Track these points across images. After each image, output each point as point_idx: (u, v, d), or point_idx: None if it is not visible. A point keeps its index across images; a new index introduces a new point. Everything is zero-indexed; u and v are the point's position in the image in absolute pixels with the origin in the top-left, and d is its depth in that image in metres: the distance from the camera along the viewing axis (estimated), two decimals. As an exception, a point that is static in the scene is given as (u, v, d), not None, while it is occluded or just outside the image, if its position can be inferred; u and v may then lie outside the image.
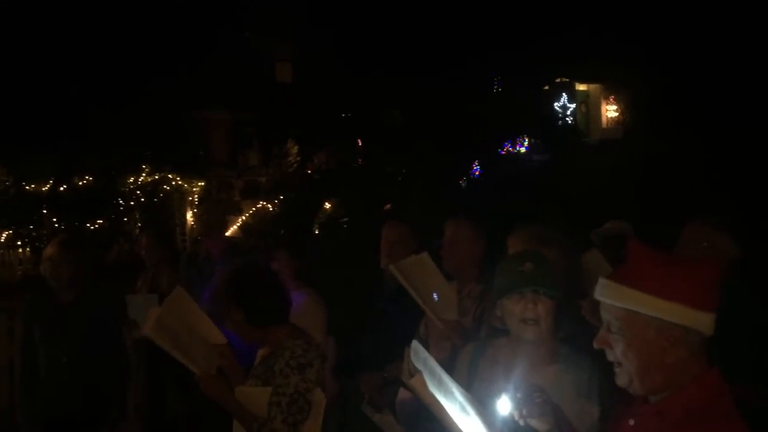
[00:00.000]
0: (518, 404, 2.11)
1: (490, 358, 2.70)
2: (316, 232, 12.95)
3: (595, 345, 2.02)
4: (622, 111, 23.96)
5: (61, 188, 15.31)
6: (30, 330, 3.87)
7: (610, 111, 24.82)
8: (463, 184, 17.73)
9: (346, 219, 13.20)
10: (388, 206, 13.26)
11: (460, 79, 17.37)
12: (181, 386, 4.59)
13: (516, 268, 2.60)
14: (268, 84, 18.36)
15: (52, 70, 14.95)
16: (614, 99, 24.53)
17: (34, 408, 3.67)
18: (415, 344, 2.25)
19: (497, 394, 2.19)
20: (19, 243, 13.83)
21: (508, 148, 21.57)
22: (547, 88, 23.68)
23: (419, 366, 2.18)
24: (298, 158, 17.24)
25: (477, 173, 18.41)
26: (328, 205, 14.15)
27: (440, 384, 2.15)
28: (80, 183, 15.66)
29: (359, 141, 17.91)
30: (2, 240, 13.72)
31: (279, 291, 2.96)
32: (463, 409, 2.15)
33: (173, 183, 15.75)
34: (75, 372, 3.55)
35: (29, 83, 14.51)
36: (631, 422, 2.00)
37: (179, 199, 15.46)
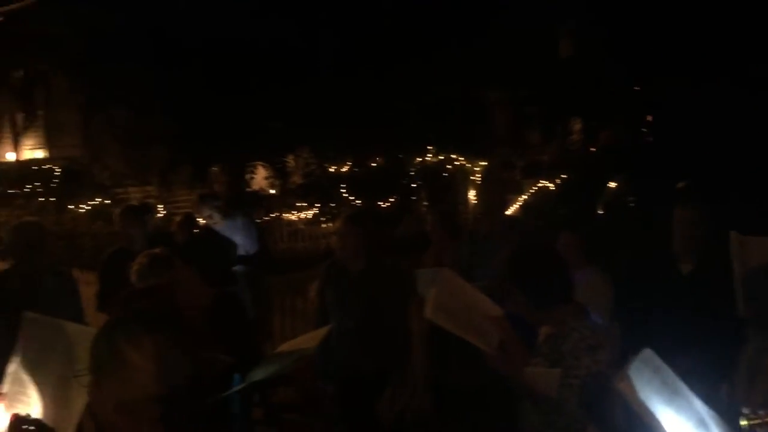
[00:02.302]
0: None
1: None
2: (600, 212, 12.42)
3: None
4: None
5: (357, 169, 16.75)
6: (323, 296, 4.27)
7: None
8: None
9: (633, 199, 12.46)
10: (682, 185, 12.23)
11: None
12: (466, 359, 4.68)
13: None
14: (551, 61, 18.00)
15: (349, 59, 16.24)
16: None
17: (328, 367, 4.03)
18: (648, 352, 2.20)
19: None
20: (322, 219, 15.46)
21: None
22: None
23: (645, 373, 2.16)
24: (582, 136, 16.68)
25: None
26: (613, 185, 13.49)
27: (673, 394, 2.11)
28: (373, 164, 16.96)
29: (649, 117, 16.76)
30: (309, 216, 15.45)
31: (562, 272, 2.87)
32: (702, 423, 2.09)
33: (456, 163, 16.28)
34: (360, 337, 3.82)
35: (329, 73, 15.94)
36: None
37: (462, 178, 15.93)
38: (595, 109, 16.39)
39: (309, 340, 3.71)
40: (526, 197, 14.55)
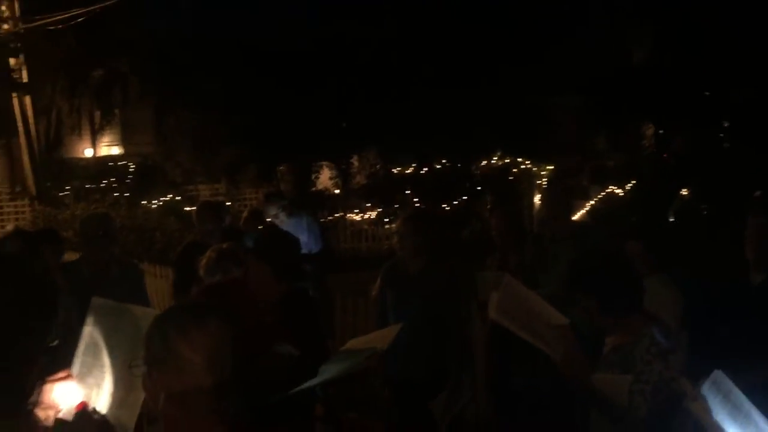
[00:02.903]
0: None
1: None
2: (671, 219, 12.08)
3: None
4: None
5: (422, 171, 16.76)
6: (384, 295, 4.28)
7: None
8: None
9: (705, 207, 12.06)
10: (758, 194, 11.76)
11: None
12: (528, 365, 4.61)
13: None
14: (623, 66, 17.60)
15: (415, 62, 16.25)
16: None
17: (386, 369, 4.02)
18: (720, 374, 2.22)
19: None
20: (386, 220, 15.54)
21: None
22: None
23: (717, 396, 2.20)
24: (653, 141, 16.25)
25: None
26: (684, 192, 13.09)
27: (745, 419, 2.15)
28: (438, 167, 16.94)
29: (725, 123, 16.19)
30: (373, 216, 15.55)
31: (631, 279, 2.79)
32: None
33: (522, 166, 16.11)
34: (416, 337, 3.81)
35: (393, 78, 15.99)
36: None
37: (527, 182, 15.74)
38: (668, 115, 15.93)
39: (380, 338, 3.73)
40: (593, 203, 14.27)
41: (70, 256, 4.85)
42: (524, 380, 5.09)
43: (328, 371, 3.53)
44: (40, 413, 1.69)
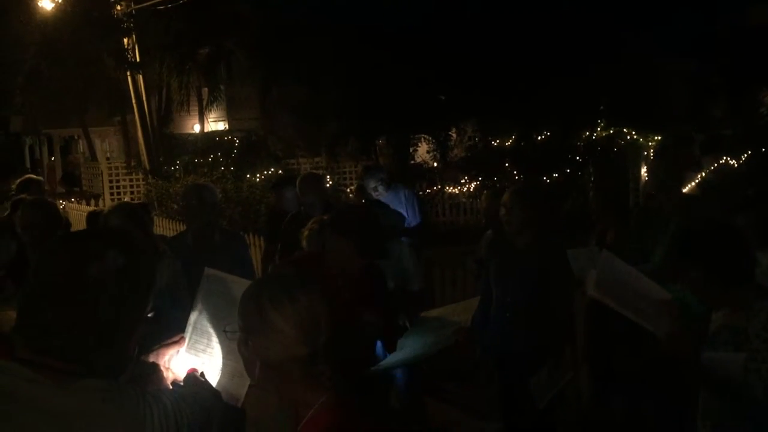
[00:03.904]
0: None
1: None
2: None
3: None
4: None
5: (522, 143, 16.41)
6: (487, 268, 4.24)
7: None
8: None
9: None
10: None
11: None
12: (631, 342, 4.48)
13: None
14: (740, 28, 16.50)
15: (514, 36, 15.85)
16: None
17: (486, 341, 4.01)
18: None
19: None
20: (485, 192, 15.31)
21: None
22: None
23: None
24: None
25: None
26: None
27: None
28: (539, 138, 16.53)
29: None
30: (471, 189, 15.41)
31: (743, 248, 2.63)
32: None
33: (628, 137, 15.47)
34: (516, 312, 3.75)
35: (495, 50, 15.65)
36: None
37: (633, 153, 15.12)
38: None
39: (459, 312, 3.71)
40: (704, 175, 13.56)
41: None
42: (627, 359, 4.96)
43: (411, 346, 3.56)
44: (154, 377, 1.78)
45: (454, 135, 17.43)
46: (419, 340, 3.62)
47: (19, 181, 6.60)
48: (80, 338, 1.40)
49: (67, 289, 1.40)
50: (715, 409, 2.62)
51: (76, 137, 22.82)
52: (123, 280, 1.45)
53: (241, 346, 1.67)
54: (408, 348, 3.56)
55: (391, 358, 3.48)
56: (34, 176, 7.32)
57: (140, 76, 15.06)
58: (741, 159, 13.92)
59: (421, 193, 13.60)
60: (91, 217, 6.39)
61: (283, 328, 1.60)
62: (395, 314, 3.75)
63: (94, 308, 1.41)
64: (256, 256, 8.66)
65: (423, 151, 17.77)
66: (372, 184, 6.18)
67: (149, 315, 1.56)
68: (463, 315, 3.61)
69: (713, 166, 13.81)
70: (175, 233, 7.72)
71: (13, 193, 6.86)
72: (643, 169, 14.39)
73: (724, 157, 14.03)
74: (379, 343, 3.57)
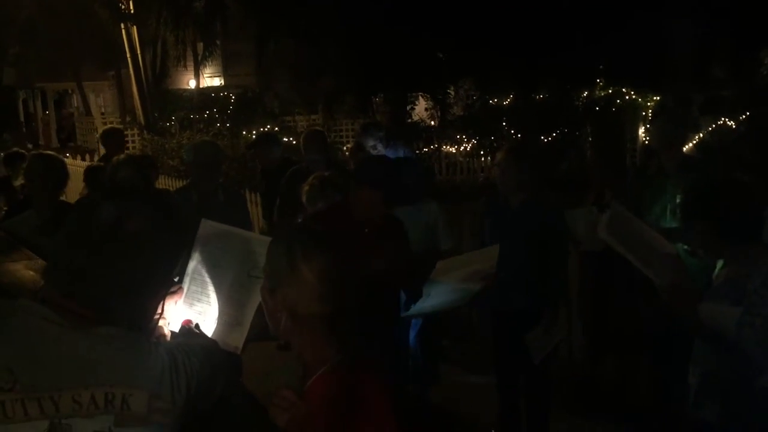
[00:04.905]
0: None
1: None
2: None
3: None
4: None
5: (520, 102, 16.30)
6: (483, 227, 4.26)
7: None
8: None
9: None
10: None
11: None
12: (631, 297, 4.51)
13: None
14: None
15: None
16: None
17: (482, 298, 4.04)
18: None
19: None
20: (481, 152, 15.31)
21: None
22: None
23: None
24: (774, 69, 15.13)
25: None
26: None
27: None
28: (537, 97, 16.41)
29: None
30: (468, 149, 15.36)
31: (752, 206, 2.64)
32: None
33: (626, 97, 15.38)
34: (511, 271, 3.78)
35: (495, 7, 15.41)
36: None
37: (632, 113, 15.05)
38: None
39: (482, 259, 3.72)
40: (702, 135, 13.52)
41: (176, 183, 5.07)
42: (621, 320, 5.02)
43: (438, 293, 3.60)
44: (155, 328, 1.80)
45: (452, 93, 17.30)
46: (445, 287, 3.66)
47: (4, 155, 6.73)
48: (108, 290, 1.43)
49: (103, 242, 1.43)
50: (706, 358, 2.67)
51: (70, 91, 22.59)
52: (159, 240, 1.47)
53: (267, 295, 1.66)
54: (435, 296, 3.61)
55: (420, 305, 3.54)
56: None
57: (135, 29, 14.84)
58: (739, 120, 13.88)
59: (418, 151, 13.55)
60: (90, 172, 6.38)
61: (313, 281, 1.59)
62: (421, 265, 3.80)
63: (127, 264, 1.44)
64: (254, 212, 8.66)
65: (421, 109, 17.64)
66: (371, 142, 6.15)
67: (176, 279, 1.59)
68: (487, 263, 3.65)
69: (711, 127, 13.78)
70: (171, 189, 7.72)
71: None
72: (641, 130, 14.34)
73: (723, 119, 13.98)
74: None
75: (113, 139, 7.14)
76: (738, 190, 2.67)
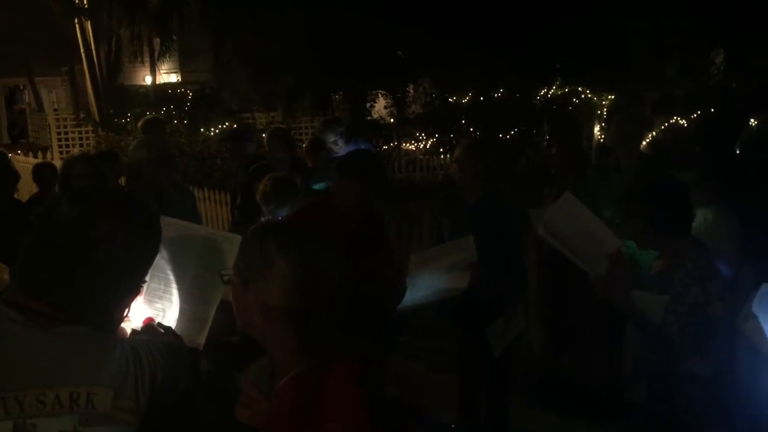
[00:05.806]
0: None
1: None
2: (737, 151, 11.63)
3: None
4: None
5: (480, 100, 16.44)
6: (441, 224, 4.30)
7: None
8: None
9: (776, 139, 11.54)
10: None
11: None
12: (581, 293, 4.61)
13: None
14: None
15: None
16: None
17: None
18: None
19: None
20: (441, 150, 15.42)
21: None
22: None
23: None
24: (723, 68, 15.54)
25: None
26: (753, 122, 12.54)
27: None
28: (496, 95, 16.58)
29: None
30: (428, 147, 15.44)
31: (681, 203, 2.80)
32: None
33: (582, 96, 15.65)
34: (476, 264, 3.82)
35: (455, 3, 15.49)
36: None
37: (588, 112, 15.33)
38: (743, 40, 15.11)
39: (458, 249, 3.75)
40: (654, 134, 13.83)
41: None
42: (578, 314, 5.13)
43: (423, 284, 3.62)
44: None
45: (412, 91, 17.35)
46: (430, 279, 3.68)
47: None
48: (75, 293, 1.41)
49: (73, 246, 1.41)
50: (636, 344, 2.85)
51: (21, 87, 22.03)
52: (129, 246, 1.46)
53: (238, 290, 1.59)
54: (422, 288, 3.62)
55: (410, 296, 3.55)
56: None
57: (89, 23, 14.54)
58: (691, 118, 14.23)
59: (377, 149, 13.58)
60: (37, 169, 6.25)
61: (286, 272, 1.53)
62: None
63: (96, 268, 1.42)
64: (212, 210, 8.57)
65: (380, 107, 17.67)
66: (331, 137, 6.15)
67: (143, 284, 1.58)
68: (465, 253, 3.68)
69: (664, 125, 14.11)
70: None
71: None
72: (596, 128, 14.61)
73: (675, 117, 14.32)
74: None
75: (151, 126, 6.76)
76: (668, 187, 2.83)
